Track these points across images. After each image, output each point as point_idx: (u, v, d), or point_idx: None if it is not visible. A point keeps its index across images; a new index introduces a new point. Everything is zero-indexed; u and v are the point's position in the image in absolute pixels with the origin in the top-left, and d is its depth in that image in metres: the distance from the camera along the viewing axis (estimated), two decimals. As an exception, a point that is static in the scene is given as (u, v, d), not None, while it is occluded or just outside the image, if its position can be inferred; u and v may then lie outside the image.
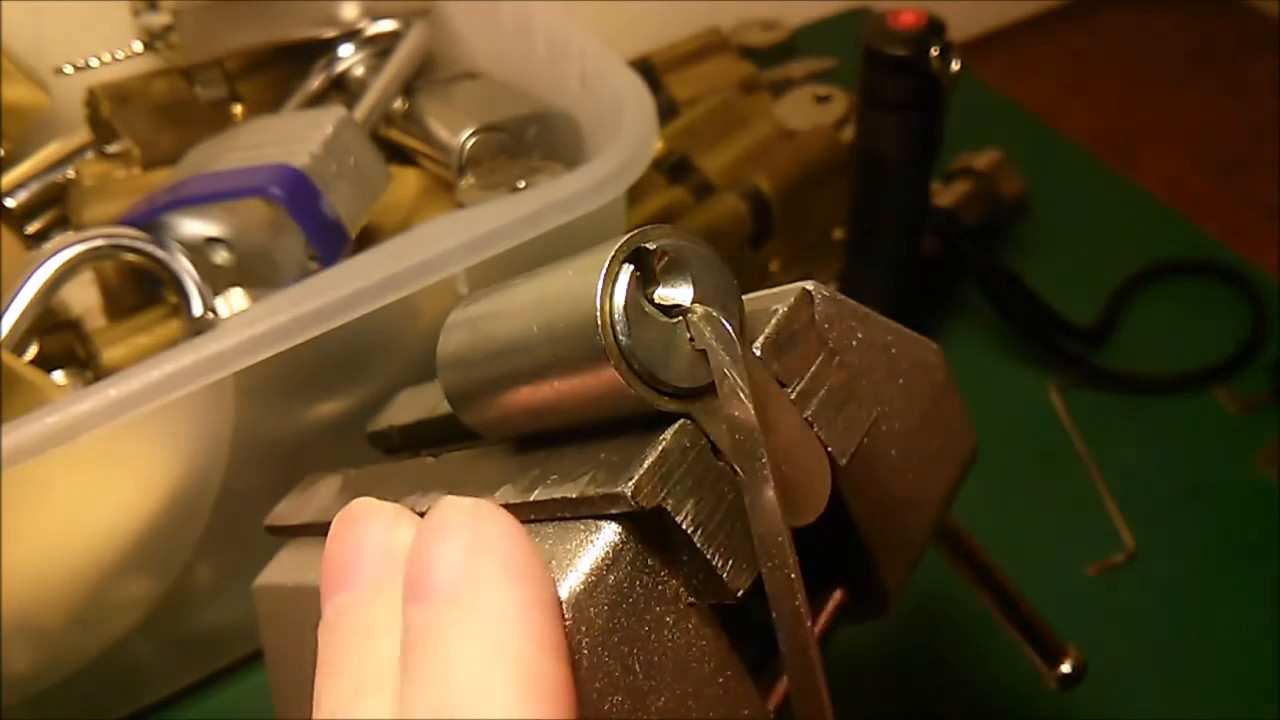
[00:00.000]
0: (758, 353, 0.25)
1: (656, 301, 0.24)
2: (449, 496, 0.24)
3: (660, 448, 0.23)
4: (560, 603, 0.23)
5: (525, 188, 0.51)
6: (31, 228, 0.62)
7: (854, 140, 0.61)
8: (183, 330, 0.50)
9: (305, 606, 0.28)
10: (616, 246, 0.24)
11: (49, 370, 0.52)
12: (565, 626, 0.23)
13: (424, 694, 0.21)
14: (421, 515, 0.26)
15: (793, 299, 0.26)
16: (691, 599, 0.24)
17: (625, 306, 0.23)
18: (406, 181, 0.59)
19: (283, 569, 0.36)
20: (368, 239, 0.54)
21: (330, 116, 0.54)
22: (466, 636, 0.21)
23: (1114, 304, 0.69)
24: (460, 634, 0.21)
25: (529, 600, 0.21)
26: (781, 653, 0.22)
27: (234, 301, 0.50)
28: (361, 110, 0.59)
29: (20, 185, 0.62)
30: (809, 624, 0.21)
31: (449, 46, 0.66)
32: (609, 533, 0.24)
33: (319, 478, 0.38)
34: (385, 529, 0.25)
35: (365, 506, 0.27)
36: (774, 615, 0.22)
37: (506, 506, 0.26)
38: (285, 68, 0.66)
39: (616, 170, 0.46)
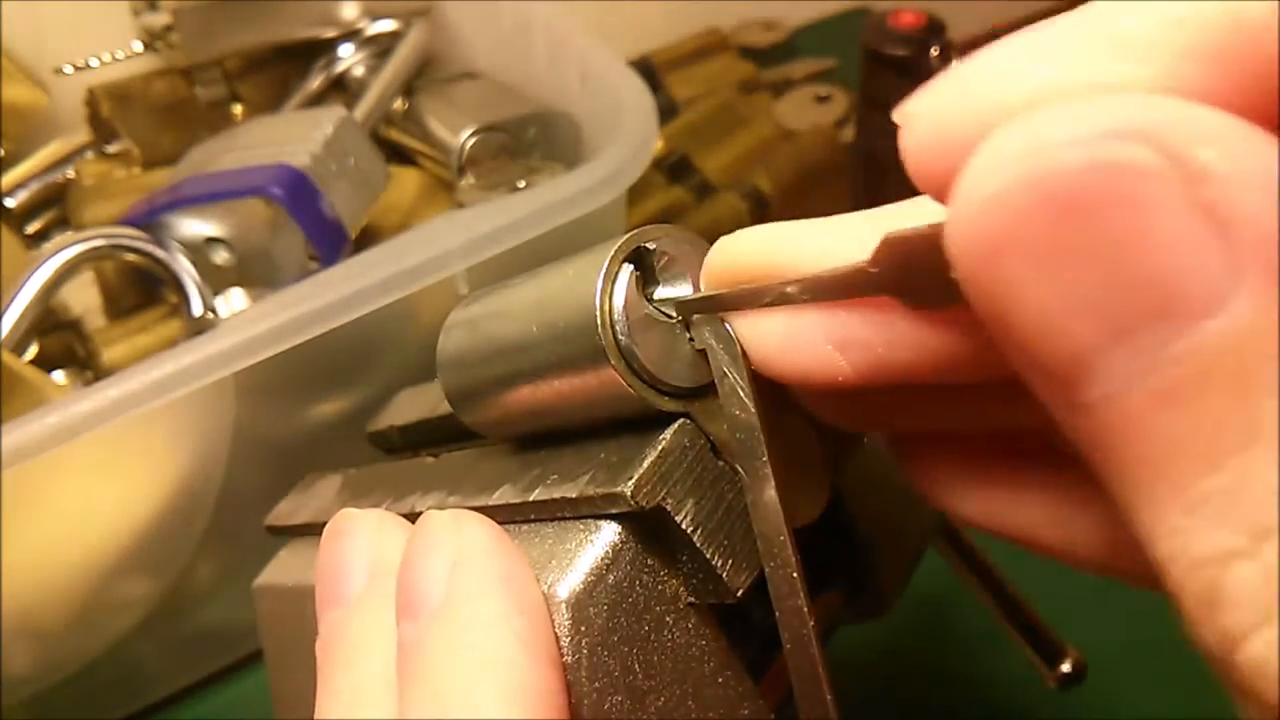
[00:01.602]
0: (758, 352, 0.25)
1: (656, 301, 0.24)
2: (431, 511, 0.25)
3: (660, 447, 0.23)
4: (546, 604, 0.23)
5: (525, 188, 0.51)
6: (31, 228, 0.62)
7: (854, 140, 0.61)
8: (183, 330, 0.51)
9: (305, 606, 0.28)
10: (616, 246, 0.24)
11: (49, 370, 0.52)
12: (562, 627, 0.23)
13: (418, 707, 0.22)
14: (419, 515, 0.26)
15: (793, 299, 0.26)
16: (691, 599, 0.24)
17: (625, 306, 0.23)
18: (406, 181, 0.59)
19: (283, 569, 0.36)
20: (368, 239, 0.54)
21: (330, 116, 0.54)
22: (454, 650, 0.22)
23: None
24: (448, 648, 0.22)
25: (512, 608, 0.22)
26: (784, 652, 0.22)
27: (234, 301, 0.51)
28: (361, 110, 0.59)
29: (20, 185, 0.62)
30: (812, 623, 0.21)
31: (449, 46, 0.66)
32: (609, 533, 0.24)
33: (319, 478, 0.38)
34: (369, 541, 0.26)
35: (349, 520, 0.27)
36: (777, 615, 0.22)
37: (506, 506, 0.26)
38: (285, 68, 0.66)
39: (616, 170, 0.46)
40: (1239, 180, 0.14)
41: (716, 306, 0.23)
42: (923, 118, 0.18)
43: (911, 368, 0.19)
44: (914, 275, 0.19)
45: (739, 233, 0.22)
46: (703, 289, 0.23)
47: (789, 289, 0.21)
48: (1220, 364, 0.14)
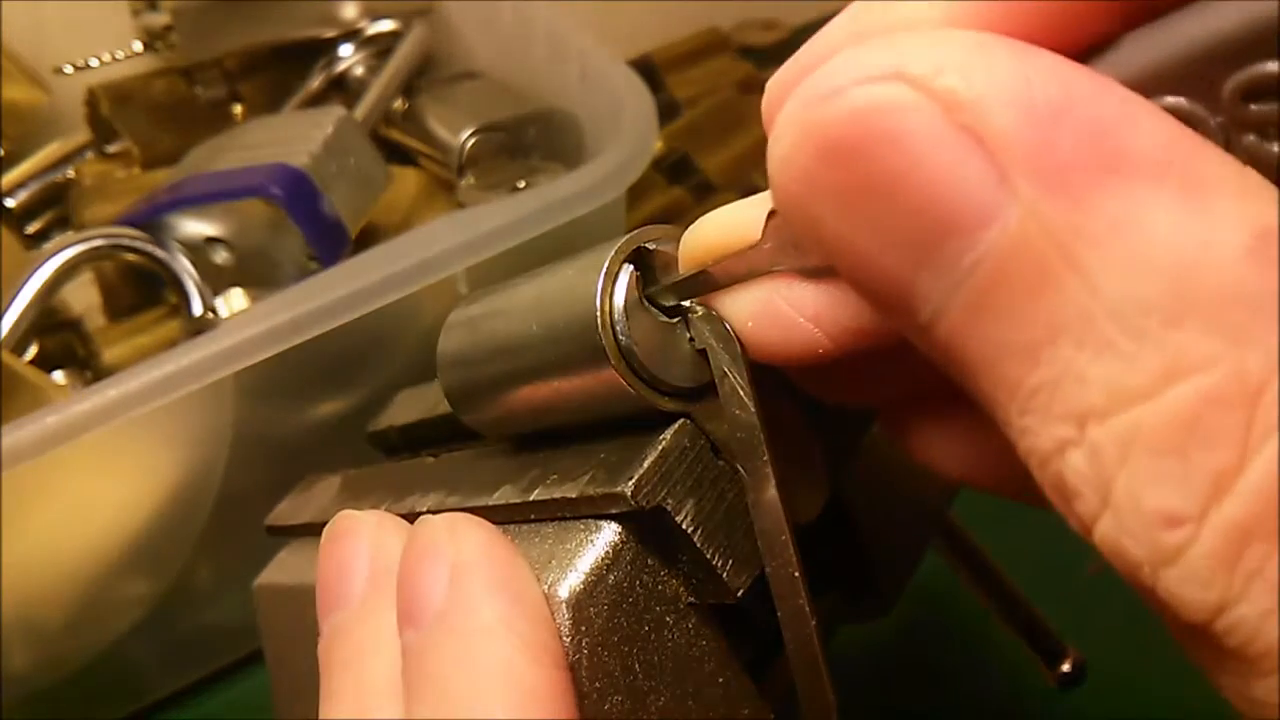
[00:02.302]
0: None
1: (656, 301, 0.24)
2: (427, 516, 0.25)
3: (660, 448, 0.23)
4: (547, 605, 0.23)
5: (525, 188, 0.51)
6: (31, 228, 0.62)
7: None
8: (183, 330, 0.50)
9: (305, 606, 0.28)
10: (617, 247, 0.24)
11: (49, 370, 0.52)
12: (562, 627, 0.23)
13: (426, 714, 0.22)
14: (420, 515, 0.26)
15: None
16: (691, 599, 0.24)
17: (625, 306, 0.23)
18: (406, 181, 0.59)
19: (283, 569, 0.36)
20: (368, 239, 0.54)
21: (330, 116, 0.54)
22: (458, 658, 0.22)
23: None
24: (453, 657, 0.22)
25: (514, 612, 0.22)
26: (787, 652, 0.22)
27: (234, 301, 0.50)
28: (361, 110, 0.59)
29: (20, 185, 0.62)
30: (814, 623, 0.21)
31: (449, 46, 0.66)
32: (609, 533, 0.24)
33: (319, 478, 0.38)
34: (370, 543, 0.26)
35: (348, 521, 0.27)
36: (779, 614, 0.22)
37: (506, 506, 0.26)
38: (285, 68, 0.66)
39: (616, 170, 0.46)
40: (987, 98, 0.15)
41: (708, 285, 0.23)
42: (770, 87, 0.20)
43: (884, 330, 0.20)
44: (797, 245, 0.19)
45: (710, 214, 0.23)
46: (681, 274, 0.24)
47: (714, 271, 0.22)
48: (1010, 268, 0.15)
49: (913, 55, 0.16)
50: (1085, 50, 0.17)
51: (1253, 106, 0.15)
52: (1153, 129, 0.15)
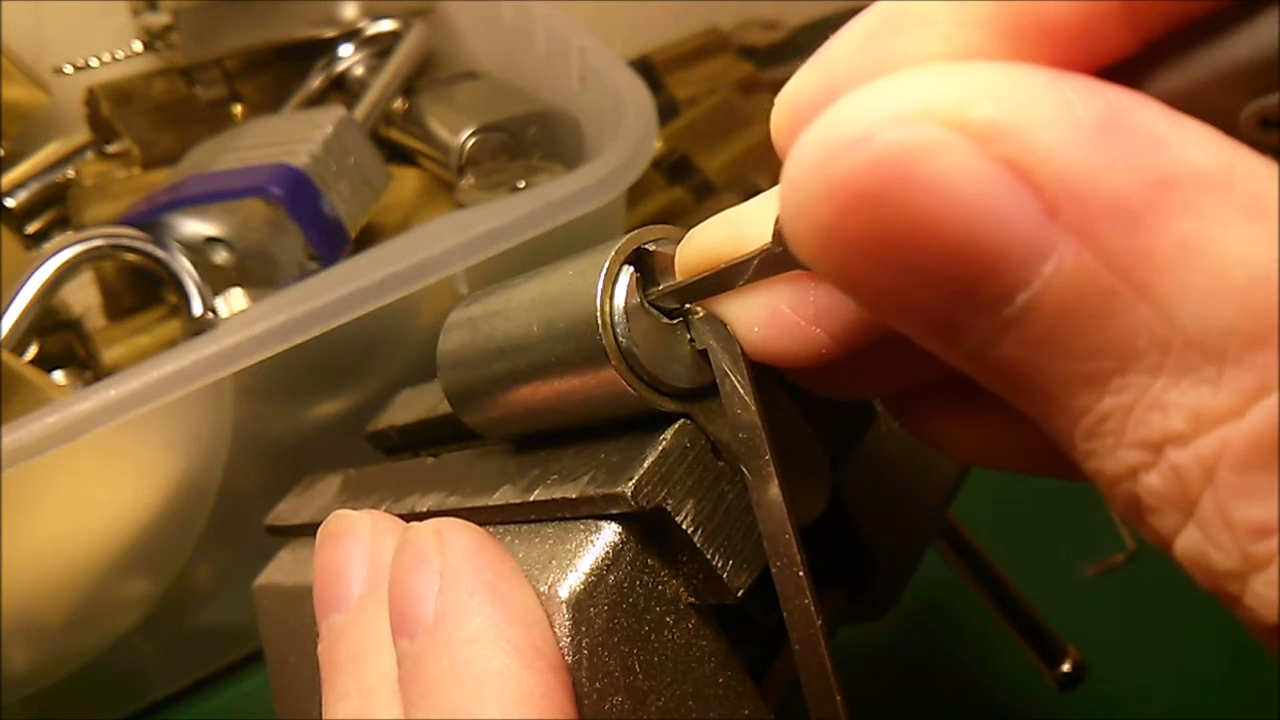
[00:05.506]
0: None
1: (656, 302, 0.24)
2: (414, 524, 0.25)
3: (660, 448, 0.23)
4: (540, 605, 0.23)
5: (525, 188, 0.51)
6: (31, 228, 0.62)
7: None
8: (183, 330, 0.50)
9: (305, 606, 0.28)
10: (617, 247, 0.24)
11: (49, 370, 0.52)
12: (562, 628, 0.23)
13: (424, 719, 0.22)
14: (419, 517, 0.26)
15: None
16: (691, 599, 0.24)
17: (625, 307, 0.23)
18: (406, 181, 0.59)
19: (283, 569, 0.36)
20: (368, 239, 0.54)
21: (330, 116, 0.54)
22: (452, 668, 0.22)
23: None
24: (445, 666, 0.22)
25: (504, 617, 0.22)
26: (793, 652, 0.22)
27: (234, 301, 0.50)
28: (361, 110, 0.59)
29: (20, 185, 0.62)
30: (820, 622, 0.21)
31: (449, 46, 0.66)
32: (609, 533, 0.24)
33: (319, 478, 0.38)
34: (366, 544, 0.27)
35: (344, 521, 0.27)
36: (784, 614, 0.22)
37: (506, 506, 0.26)
38: (285, 68, 0.66)
39: (616, 170, 0.46)
40: (1027, 123, 0.14)
41: (710, 290, 0.23)
42: (781, 104, 0.19)
43: (880, 324, 0.19)
44: None
45: (706, 222, 0.23)
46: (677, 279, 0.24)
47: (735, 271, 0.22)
48: (1070, 302, 0.14)
49: (939, 88, 0.14)
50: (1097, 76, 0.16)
51: (1271, 133, 0.14)
52: (1205, 138, 0.14)
